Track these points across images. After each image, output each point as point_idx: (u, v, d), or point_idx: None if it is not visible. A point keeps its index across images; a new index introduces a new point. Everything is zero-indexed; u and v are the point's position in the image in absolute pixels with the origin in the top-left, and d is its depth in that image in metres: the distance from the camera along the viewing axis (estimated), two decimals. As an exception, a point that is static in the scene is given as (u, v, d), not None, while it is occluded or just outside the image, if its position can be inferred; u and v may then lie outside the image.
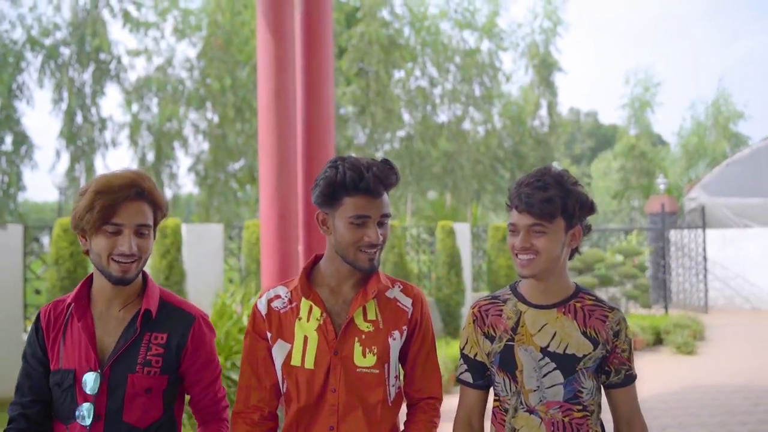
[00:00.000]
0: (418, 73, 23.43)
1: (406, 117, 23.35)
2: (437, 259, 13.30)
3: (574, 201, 2.12)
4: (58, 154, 19.05)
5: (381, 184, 2.08)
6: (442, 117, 23.88)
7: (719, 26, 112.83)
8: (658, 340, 11.85)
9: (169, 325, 2.16)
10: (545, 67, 25.43)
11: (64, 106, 18.82)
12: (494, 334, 2.24)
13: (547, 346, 2.16)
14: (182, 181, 21.04)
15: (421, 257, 14.33)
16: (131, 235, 2.05)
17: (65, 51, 18.76)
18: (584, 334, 2.16)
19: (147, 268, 9.65)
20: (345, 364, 2.11)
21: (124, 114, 19.92)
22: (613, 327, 2.17)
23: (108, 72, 19.10)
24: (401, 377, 2.28)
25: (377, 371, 2.13)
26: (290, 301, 2.19)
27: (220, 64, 19.76)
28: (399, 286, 2.26)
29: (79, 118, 18.95)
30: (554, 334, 2.16)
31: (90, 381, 2.04)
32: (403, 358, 2.25)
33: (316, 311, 2.14)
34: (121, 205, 2.05)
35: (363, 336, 2.13)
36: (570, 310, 2.19)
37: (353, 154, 2.08)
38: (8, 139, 18.43)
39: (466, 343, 2.32)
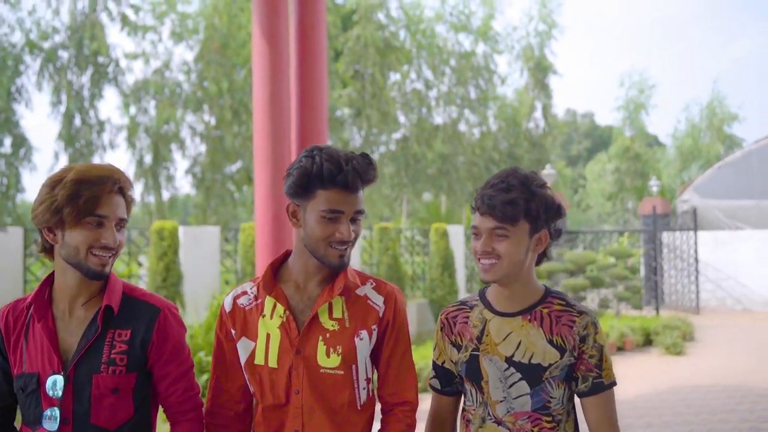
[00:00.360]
0: (413, 75, 23.63)
1: (401, 119, 23.54)
2: (431, 260, 13.48)
3: (539, 204, 2.03)
4: (56, 156, 19.22)
5: (359, 179, 1.99)
6: (438, 119, 24.10)
7: (715, 28, 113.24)
8: (647, 341, 12.02)
9: (133, 320, 2.07)
10: (540, 70, 25.65)
11: (62, 108, 19.00)
12: (461, 343, 2.16)
13: (512, 355, 2.07)
14: (179, 183, 21.16)
15: (415, 259, 14.50)
16: (113, 227, 2.00)
17: (64, 54, 18.94)
18: (550, 342, 2.06)
19: (144, 270, 9.78)
20: (308, 364, 2.01)
21: (122, 116, 20.13)
22: (579, 332, 2.07)
23: (106, 75, 19.28)
24: (374, 381, 2.18)
25: (342, 372, 2.02)
26: (255, 298, 2.11)
27: (217, 67, 19.94)
28: (371, 284, 2.14)
29: (77, 121, 19.12)
30: (519, 343, 2.07)
31: (54, 384, 1.97)
32: (376, 359, 2.13)
33: (280, 308, 2.05)
34: (105, 196, 1.98)
35: (327, 335, 2.03)
36: (536, 317, 2.09)
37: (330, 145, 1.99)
38: (7, 142, 18.62)
39: (435, 349, 2.25)
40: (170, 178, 21.01)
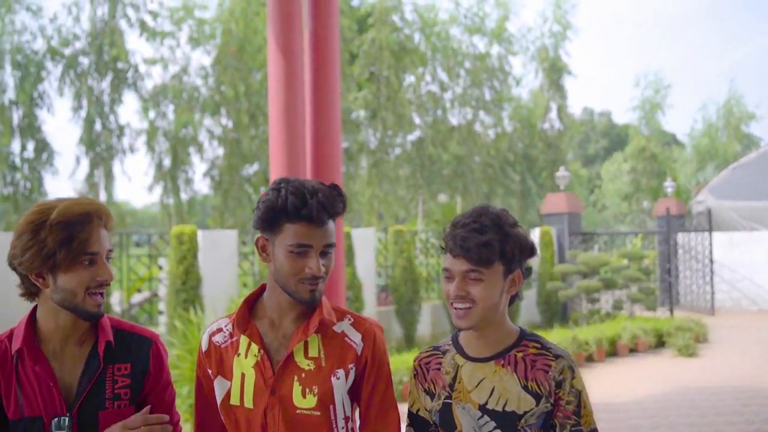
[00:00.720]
0: (428, 77, 23.81)
1: (416, 121, 23.72)
2: (445, 262, 13.64)
3: (513, 245, 1.96)
4: (78, 160, 19.59)
5: (325, 212, 1.92)
6: (453, 121, 24.25)
7: (732, 26, 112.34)
8: (660, 343, 12.13)
9: (130, 354, 2.06)
10: (555, 71, 25.74)
11: (83, 113, 19.35)
12: (434, 391, 2.08)
13: (486, 403, 1.99)
14: (198, 185, 21.48)
15: (429, 261, 14.68)
16: (106, 261, 1.96)
17: (84, 60, 19.30)
18: (525, 388, 1.97)
19: (164, 273, 10.02)
20: (283, 405, 1.94)
21: (142, 121, 20.47)
22: (555, 377, 1.97)
23: (125, 80, 19.62)
24: (355, 419, 2.10)
25: (318, 413, 1.95)
26: (231, 335, 2.05)
27: (233, 71, 20.21)
28: (349, 319, 2.07)
29: (98, 125, 19.47)
30: (492, 390, 1.99)
31: (59, 425, 1.93)
32: (356, 398, 2.05)
33: (254, 347, 1.99)
34: (94, 233, 1.93)
35: (303, 374, 1.96)
36: (510, 361, 2.00)
37: (298, 178, 1.99)
38: (30, 146, 19.00)
39: (410, 397, 2.17)
40: (189, 181, 21.31)
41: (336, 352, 2.00)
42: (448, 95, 24.04)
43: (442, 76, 23.87)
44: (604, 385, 9.12)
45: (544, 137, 25.85)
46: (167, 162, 20.76)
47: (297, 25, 7.51)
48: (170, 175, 20.83)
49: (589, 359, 10.86)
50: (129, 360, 2.05)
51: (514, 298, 2.06)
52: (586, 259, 13.98)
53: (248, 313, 2.05)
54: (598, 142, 54.17)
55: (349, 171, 22.71)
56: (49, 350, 1.99)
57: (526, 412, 1.97)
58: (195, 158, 21.38)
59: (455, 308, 1.96)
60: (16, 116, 18.73)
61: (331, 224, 1.96)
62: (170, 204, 21.37)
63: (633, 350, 11.67)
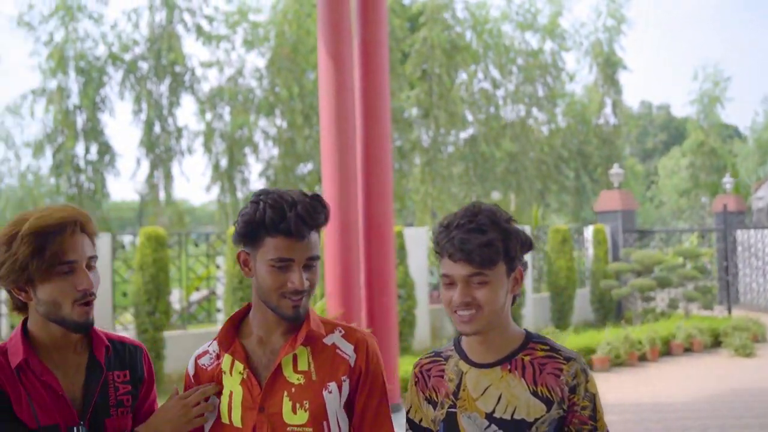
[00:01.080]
0: (480, 75, 23.79)
1: (469, 118, 23.73)
2: (497, 261, 13.69)
3: (515, 241, 1.86)
4: (138, 161, 20.20)
5: (305, 225, 1.84)
6: (506, 118, 24.19)
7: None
8: (717, 343, 11.96)
9: (124, 361, 2.04)
10: (609, 66, 25.44)
11: (143, 116, 19.94)
12: (436, 399, 1.97)
13: (493, 411, 1.88)
14: (254, 185, 21.88)
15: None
16: (86, 270, 1.90)
17: (144, 65, 19.88)
18: (534, 394, 1.86)
19: (221, 272, 10.32)
20: (273, 422, 1.87)
21: (199, 123, 20.96)
22: (568, 381, 1.86)
23: (183, 83, 20.14)
24: None
25: (311, 430, 1.87)
26: (217, 357, 2.00)
27: (287, 72, 20.54)
28: (340, 331, 2.00)
29: (157, 128, 20.03)
30: (500, 397, 1.88)
31: None
32: (351, 412, 1.97)
33: (238, 365, 1.93)
34: (68, 241, 1.86)
35: (293, 389, 1.89)
36: (517, 366, 1.89)
37: (279, 189, 1.93)
38: (93, 149, 19.66)
39: (410, 407, 2.06)
40: (245, 181, 21.74)
41: (327, 365, 1.93)
42: (500, 92, 23.99)
43: (495, 73, 23.83)
44: (656, 385, 9.08)
45: (598, 133, 25.58)
46: (224, 162, 21.21)
47: (346, 32, 7.70)
48: (227, 176, 21.28)
49: (642, 359, 10.80)
50: (126, 367, 2.04)
51: (516, 297, 1.95)
52: (640, 257, 13.85)
53: (234, 332, 1.99)
54: (656, 136, 53.21)
55: (402, 169, 22.85)
56: (47, 361, 1.94)
57: (536, 419, 1.85)
58: (251, 158, 21.77)
59: (459, 315, 1.85)
60: (80, 120, 19.40)
61: (313, 236, 1.89)
62: (227, 203, 21.85)
63: (688, 350, 11.55)
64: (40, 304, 1.88)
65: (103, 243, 10.23)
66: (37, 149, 19.54)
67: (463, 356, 1.96)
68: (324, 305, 7.75)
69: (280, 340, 1.94)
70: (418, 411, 2.03)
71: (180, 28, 19.97)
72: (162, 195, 20.58)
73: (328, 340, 1.97)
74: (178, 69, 19.96)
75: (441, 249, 1.88)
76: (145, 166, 20.17)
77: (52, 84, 19.11)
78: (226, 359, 1.96)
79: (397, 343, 8.15)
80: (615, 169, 17.17)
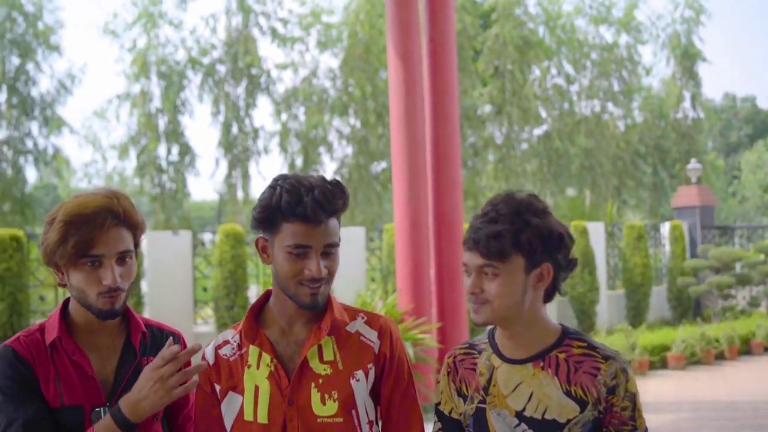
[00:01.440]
0: (554, 70, 23.56)
1: (543, 114, 23.55)
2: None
3: (532, 235, 1.75)
4: (217, 162, 20.85)
5: (322, 211, 1.79)
6: (580, 113, 23.89)
7: None
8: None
9: (161, 347, 1.95)
10: (688, 58, 24.80)
11: (221, 118, 20.57)
12: (466, 393, 1.90)
13: (523, 409, 1.81)
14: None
15: (554, 256, 14.64)
16: (113, 265, 1.85)
17: (221, 68, 20.50)
18: (568, 393, 1.78)
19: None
20: (302, 415, 1.83)
21: (274, 123, 21.46)
22: (606, 381, 1.77)
23: (259, 85, 20.68)
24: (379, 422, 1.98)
25: (341, 420, 1.84)
26: (239, 347, 1.92)
27: (360, 72, 20.83)
28: (362, 318, 1.97)
29: (234, 129, 20.62)
30: (531, 395, 1.80)
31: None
32: (377, 399, 1.94)
33: (266, 357, 1.87)
34: (97, 234, 1.82)
35: (320, 380, 1.85)
36: (550, 363, 1.81)
37: (298, 174, 1.87)
38: (174, 150, 20.38)
39: (441, 398, 1.99)
40: (319, 180, 22.15)
41: (353, 353, 1.90)
42: (574, 88, 23.71)
43: (568, 68, 23.56)
44: (732, 384, 8.91)
45: (677, 127, 24.97)
46: (299, 162, 21.64)
47: (414, 32, 7.85)
48: (302, 175, 21.71)
49: (720, 357, 10.59)
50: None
51: (553, 292, 1.85)
52: (718, 254, 13.55)
53: (255, 322, 1.93)
54: (741, 129, 51.42)
55: (475, 167, 22.85)
56: (84, 342, 1.95)
57: (569, 420, 1.77)
58: (325, 157, 22.17)
59: (472, 304, 1.81)
60: (162, 123, 20.15)
61: (332, 222, 1.83)
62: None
63: (768, 348, 11.26)
64: (71, 288, 1.89)
65: (183, 241, 10.67)
66: (122, 151, 20.40)
67: (496, 350, 1.88)
68: (395, 300, 7.93)
69: (303, 330, 1.89)
70: (448, 402, 1.97)
71: (255, 32, 20.51)
72: (240, 194, 21.17)
73: (351, 328, 1.94)
74: (254, 71, 20.50)
75: (464, 237, 1.84)
76: (224, 166, 20.79)
77: (136, 88, 19.91)
78: (253, 351, 1.89)
79: (468, 337, 8.26)
80: (692, 164, 16.80)
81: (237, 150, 20.69)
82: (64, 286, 1.93)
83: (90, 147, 22.08)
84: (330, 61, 26.09)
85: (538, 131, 23.63)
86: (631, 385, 1.79)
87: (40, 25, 20.13)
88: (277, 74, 21.34)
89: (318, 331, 1.87)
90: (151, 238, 10.47)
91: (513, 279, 1.77)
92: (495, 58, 22.17)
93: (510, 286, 1.77)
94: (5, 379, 1.88)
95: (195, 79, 20.58)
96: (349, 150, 22.08)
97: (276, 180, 1.85)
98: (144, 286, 10.06)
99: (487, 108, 22.84)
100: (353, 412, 1.87)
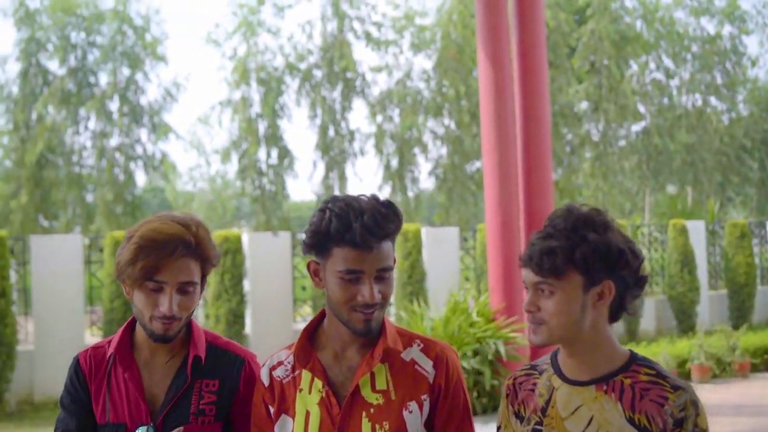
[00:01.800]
0: (652, 65, 23.01)
1: (641, 110, 23.02)
2: (669, 257, 13.35)
3: (588, 251, 1.68)
4: (314, 164, 21.40)
5: (372, 236, 1.73)
6: (681, 108, 23.23)
7: None
8: None
9: (220, 370, 2.00)
10: (798, 48, 23.74)
11: (318, 121, 21.11)
12: (524, 414, 1.84)
13: None
14: (423, 184, 22.53)
15: (653, 255, 14.39)
16: (173, 293, 1.88)
17: (317, 73, 21.04)
18: (631, 420, 1.69)
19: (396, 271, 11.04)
20: None
21: (370, 125, 21.83)
22: (674, 413, 1.67)
23: (354, 88, 21.12)
24: None
25: None
26: (293, 369, 1.89)
27: (453, 73, 20.95)
28: (418, 345, 1.88)
29: (331, 132, 21.14)
30: (591, 420, 1.72)
31: None
32: (431, 430, 1.86)
33: (318, 382, 1.83)
34: (164, 261, 1.86)
35: (371, 410, 1.79)
36: (615, 388, 1.72)
37: (349, 196, 1.83)
38: (274, 153, 21.06)
39: (501, 422, 1.93)
40: (415, 180, 22.38)
41: (406, 383, 1.82)
42: (674, 82, 23.08)
43: (668, 62, 22.95)
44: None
45: (787, 120, 23.95)
46: (395, 163, 21.93)
47: (504, 34, 7.96)
48: (397, 175, 22.00)
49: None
50: (218, 376, 2.00)
51: (619, 312, 1.77)
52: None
53: (309, 345, 1.88)
54: None
55: (572, 164, 22.57)
56: (141, 358, 1.99)
57: None
58: (420, 158, 22.40)
59: (529, 324, 1.77)
60: (262, 127, 20.85)
61: (384, 246, 1.78)
62: (398, 201, 22.62)
63: None
64: (133, 305, 1.94)
65: (283, 241, 11.10)
66: (225, 155, 21.21)
67: (558, 371, 1.81)
68: (487, 299, 8.07)
69: (357, 356, 1.84)
70: (507, 427, 1.90)
71: (350, 36, 20.95)
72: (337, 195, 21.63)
73: (406, 355, 1.86)
74: (349, 75, 20.94)
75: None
76: (321, 168, 21.31)
77: (237, 95, 20.67)
78: (305, 376, 1.86)
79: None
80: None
81: (334, 152, 21.18)
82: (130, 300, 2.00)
83: (194, 152, 23.04)
84: (424, 62, 26.34)
85: (636, 127, 23.13)
86: (701, 420, 1.68)
87: (148, 37, 21.23)
88: (371, 77, 21.71)
89: (370, 359, 1.81)
90: (252, 238, 10.95)
91: (570, 297, 1.70)
92: (591, 54, 21.84)
93: (567, 305, 1.70)
94: (65, 390, 2.01)
95: (292, 84, 21.18)
96: (444, 150, 22.23)
97: (326, 203, 1.81)
98: (246, 285, 10.53)
99: (583, 105, 22.51)
100: None
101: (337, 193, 21.53)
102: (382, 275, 1.78)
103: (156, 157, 21.73)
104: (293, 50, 20.99)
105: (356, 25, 21.02)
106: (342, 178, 21.32)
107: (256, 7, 20.46)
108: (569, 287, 1.70)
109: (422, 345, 1.88)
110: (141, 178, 22.82)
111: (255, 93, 20.79)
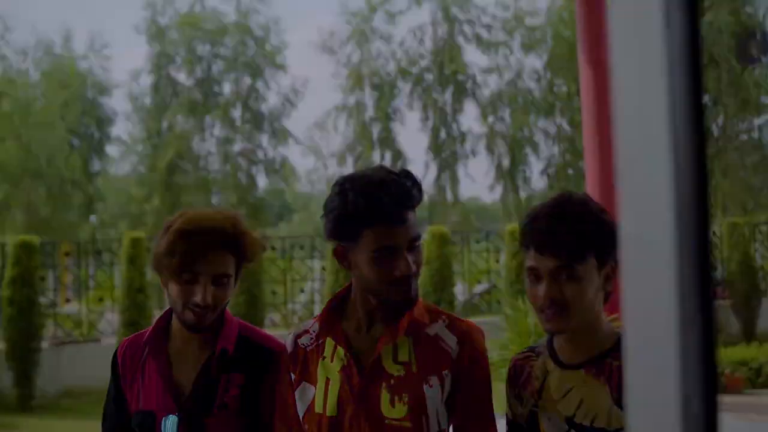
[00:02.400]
0: (777, 56, 22.07)
1: (766, 102, 22.14)
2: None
3: (608, 234, 1.64)
4: (426, 165, 21.88)
5: (402, 207, 1.71)
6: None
7: None
8: None
9: (248, 364, 1.97)
10: None
11: (430, 124, 21.60)
12: (522, 396, 1.84)
13: (573, 416, 1.73)
14: (535, 183, 22.55)
15: (766, 254, 13.98)
16: (208, 284, 1.87)
17: (428, 76, 21.54)
18: (618, 403, 1.68)
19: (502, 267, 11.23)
20: (370, 414, 1.76)
21: (481, 126, 22.10)
22: None
23: (465, 91, 21.47)
24: None
25: (409, 425, 1.74)
26: (317, 337, 1.87)
27: (565, 72, 20.88)
28: (444, 321, 1.85)
29: (442, 134, 21.57)
30: (581, 402, 1.72)
31: (168, 425, 1.91)
32: (451, 409, 1.82)
33: (340, 350, 1.81)
34: (200, 253, 1.85)
35: (392, 381, 1.77)
36: (603, 370, 1.71)
37: (359, 171, 1.87)
38: (387, 156, 21.69)
39: (507, 402, 1.92)
40: (526, 179, 22.46)
41: (429, 357, 1.79)
42: (803, 72, 22.04)
43: (793, 52, 21.96)
44: None
45: None
46: (506, 163, 22.08)
47: (605, 37, 8.10)
48: (509, 175, 22.13)
49: None
50: (245, 370, 1.97)
51: (609, 296, 1.75)
52: None
53: (334, 314, 1.87)
54: None
55: (689, 161, 21.97)
56: (175, 348, 1.99)
57: (618, 430, 1.68)
58: (531, 158, 22.46)
59: (545, 313, 1.69)
60: (375, 131, 21.54)
61: (412, 216, 1.75)
62: (510, 201, 22.71)
63: None
64: (168, 295, 1.94)
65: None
66: (341, 159, 22.03)
67: (552, 354, 1.80)
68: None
69: (381, 327, 1.80)
70: (510, 408, 1.89)
71: (460, 39, 21.31)
72: (449, 196, 22.01)
73: (431, 330, 1.82)
74: (459, 77, 21.30)
75: (527, 241, 1.72)
76: (433, 169, 21.75)
77: (351, 100, 21.45)
78: (329, 343, 1.84)
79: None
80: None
81: (445, 153, 21.58)
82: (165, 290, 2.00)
83: (312, 155, 23.96)
84: (534, 62, 26.27)
85: (759, 122, 22.25)
86: None
87: (268, 47, 22.33)
88: (482, 79, 21.98)
89: (395, 329, 1.77)
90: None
91: (590, 281, 1.68)
92: (709, 47, 21.23)
93: (587, 290, 1.68)
94: (109, 382, 2.08)
95: (405, 88, 21.74)
96: (556, 149, 22.18)
97: (341, 184, 1.75)
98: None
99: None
100: (423, 418, 1.76)
101: (449, 193, 21.90)
102: (413, 245, 1.75)
103: (276, 161, 22.82)
104: (405, 55, 21.55)
105: (466, 28, 21.37)
106: (453, 178, 21.69)
107: (368, 15, 21.14)
108: (590, 271, 1.67)
109: (448, 322, 1.85)
110: (262, 181, 24.00)
111: (368, 98, 21.49)
